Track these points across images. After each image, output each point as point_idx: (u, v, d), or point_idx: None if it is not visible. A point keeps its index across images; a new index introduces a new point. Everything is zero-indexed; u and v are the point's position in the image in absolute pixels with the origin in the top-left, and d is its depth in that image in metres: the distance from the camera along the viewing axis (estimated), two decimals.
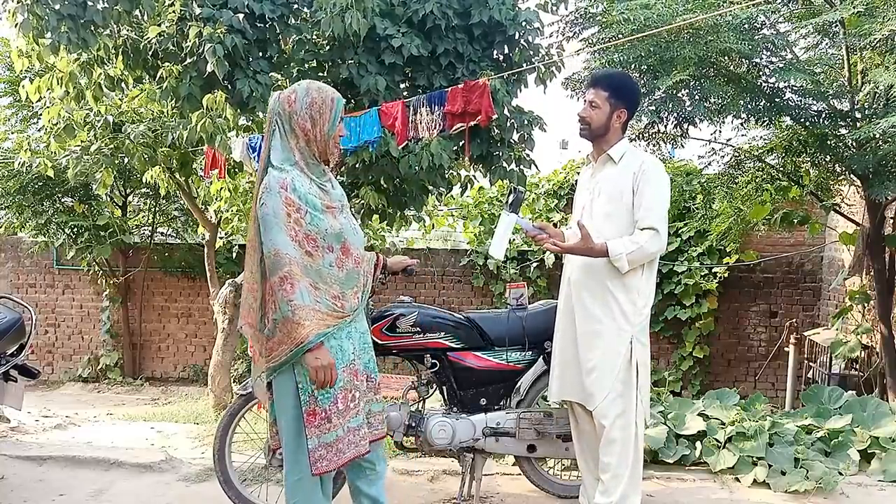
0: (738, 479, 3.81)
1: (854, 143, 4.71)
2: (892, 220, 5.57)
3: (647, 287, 2.88)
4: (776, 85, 4.84)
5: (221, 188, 6.23)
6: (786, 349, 6.92)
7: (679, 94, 4.84)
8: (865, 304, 6.04)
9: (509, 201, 3.02)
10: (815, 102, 4.90)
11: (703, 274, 7.93)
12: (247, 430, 3.51)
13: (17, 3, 4.17)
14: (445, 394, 3.38)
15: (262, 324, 2.47)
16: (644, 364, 2.86)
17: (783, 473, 3.74)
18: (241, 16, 4.43)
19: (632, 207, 2.80)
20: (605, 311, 2.82)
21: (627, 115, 2.91)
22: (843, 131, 4.83)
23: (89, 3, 4.25)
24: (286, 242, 2.33)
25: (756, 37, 4.61)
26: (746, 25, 4.41)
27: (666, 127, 5.22)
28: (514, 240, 8.21)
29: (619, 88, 2.89)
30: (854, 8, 4.18)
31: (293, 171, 2.41)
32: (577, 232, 2.89)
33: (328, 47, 4.91)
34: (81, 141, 6.04)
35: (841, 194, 5.99)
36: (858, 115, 4.77)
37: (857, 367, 5.98)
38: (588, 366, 2.85)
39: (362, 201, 5.20)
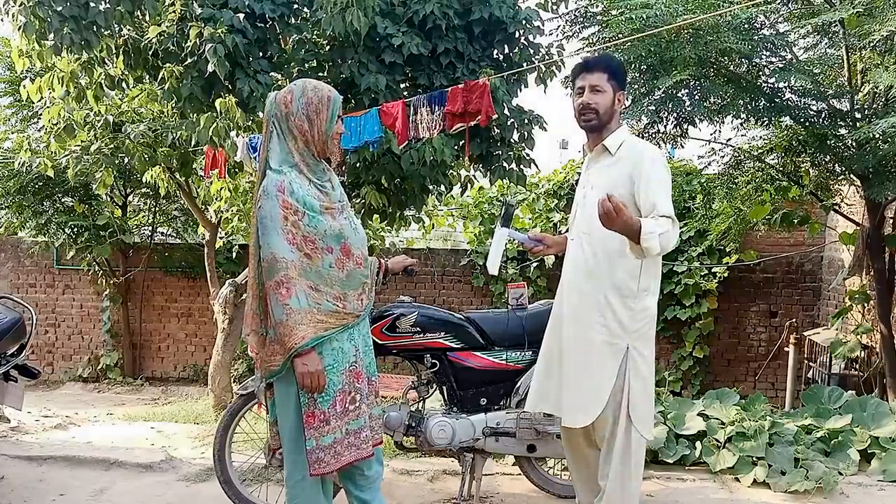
0: (737, 479, 3.81)
1: (854, 143, 4.71)
2: (891, 220, 5.57)
3: (644, 289, 2.60)
4: (776, 85, 4.84)
5: (221, 188, 6.23)
6: (786, 349, 6.93)
7: (679, 94, 4.84)
8: (865, 304, 6.04)
9: (501, 215, 3.00)
10: (814, 102, 4.90)
11: (702, 274, 7.93)
12: (247, 430, 3.51)
13: (20, 5, 4.17)
14: (445, 394, 3.39)
15: (262, 328, 2.47)
16: (637, 376, 2.59)
17: (783, 473, 3.74)
18: (241, 16, 4.44)
19: (631, 199, 2.54)
20: (600, 319, 2.59)
21: (624, 100, 2.71)
22: (843, 131, 4.83)
23: (91, 5, 4.25)
24: (283, 246, 2.32)
25: (756, 37, 4.61)
26: (746, 25, 4.41)
27: (665, 127, 5.22)
28: (513, 239, 8.20)
29: (616, 70, 2.66)
30: (854, 8, 4.18)
31: (291, 173, 2.40)
32: (571, 236, 2.77)
33: (328, 47, 4.92)
34: (81, 141, 6.04)
35: (841, 194, 5.99)
36: (858, 115, 4.77)
37: (857, 367, 5.98)
38: (579, 381, 2.63)
39: (363, 200, 5.21)
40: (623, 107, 2.72)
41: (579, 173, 9.16)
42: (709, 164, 6.01)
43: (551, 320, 2.83)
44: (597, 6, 4.92)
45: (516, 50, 5.02)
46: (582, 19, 5.02)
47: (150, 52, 4.69)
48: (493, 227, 8.71)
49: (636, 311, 2.59)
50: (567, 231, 2.97)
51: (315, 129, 2.43)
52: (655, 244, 2.35)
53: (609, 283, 2.59)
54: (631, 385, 2.57)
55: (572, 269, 2.71)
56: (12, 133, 8.69)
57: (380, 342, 3.17)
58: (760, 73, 4.83)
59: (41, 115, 6.26)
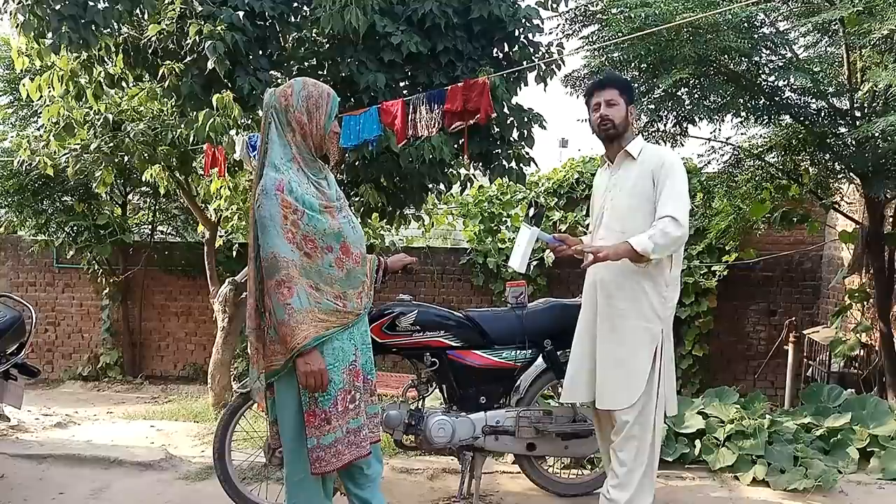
0: (737, 478, 3.81)
1: (853, 142, 4.71)
2: (891, 219, 5.57)
3: (674, 278, 2.87)
4: (776, 83, 4.84)
5: (221, 186, 6.23)
6: (785, 347, 6.92)
7: (678, 93, 4.85)
8: (865, 303, 6.04)
9: (530, 214, 3.06)
10: (814, 101, 4.90)
11: (702, 272, 7.93)
12: (247, 429, 3.51)
13: (18, 3, 4.16)
14: (445, 392, 3.39)
15: (263, 321, 2.47)
16: (670, 359, 2.87)
17: (782, 472, 3.74)
18: (241, 13, 4.44)
19: (654, 200, 2.79)
20: (635, 307, 2.81)
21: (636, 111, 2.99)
22: (843, 130, 4.83)
23: (90, 3, 4.24)
24: (283, 246, 2.32)
25: (756, 35, 4.61)
26: (746, 24, 4.41)
27: (665, 126, 5.23)
28: (511, 238, 8.22)
29: (625, 85, 2.97)
30: (853, 6, 4.18)
31: (290, 171, 2.39)
32: (595, 237, 2.96)
33: (328, 45, 4.91)
34: (81, 139, 6.04)
35: (840, 193, 5.99)
36: (858, 114, 4.77)
37: (857, 365, 5.98)
38: (618, 366, 2.82)
39: (362, 199, 5.20)
40: (635, 119, 2.99)
41: (580, 172, 9.16)
42: (708, 162, 6.02)
43: (582, 317, 2.99)
44: (596, 5, 4.92)
45: (516, 48, 5.01)
46: (581, 18, 5.02)
47: (150, 51, 4.69)
48: (492, 225, 8.71)
49: (667, 299, 2.85)
50: (590, 232, 3.12)
51: (314, 123, 2.43)
52: (648, 245, 2.65)
53: (646, 274, 2.81)
54: (664, 367, 2.83)
55: (606, 266, 2.87)
56: (12, 132, 8.68)
57: (379, 341, 3.17)
58: (760, 71, 4.83)
59: (41, 113, 6.25)
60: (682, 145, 5.51)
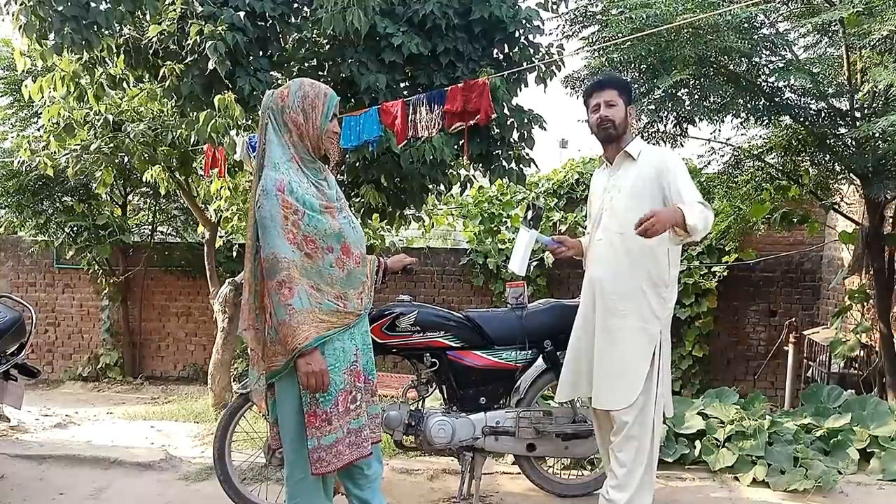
0: (737, 478, 3.81)
1: (853, 142, 4.71)
2: (891, 219, 5.57)
3: (673, 279, 2.87)
4: (776, 84, 4.85)
5: (221, 187, 6.23)
6: (785, 348, 6.92)
7: (679, 94, 4.84)
8: (865, 303, 6.04)
9: (528, 217, 3.07)
10: (814, 102, 4.91)
11: (702, 273, 7.94)
12: (247, 429, 3.51)
13: (20, 4, 4.17)
14: (445, 393, 3.39)
15: (260, 322, 2.47)
16: (666, 360, 2.88)
17: (782, 472, 3.74)
18: (241, 14, 4.44)
19: (659, 198, 2.77)
20: (634, 308, 2.81)
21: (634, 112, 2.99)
22: (843, 130, 4.83)
23: (92, 4, 4.25)
24: (284, 246, 2.32)
25: (755, 36, 4.61)
26: (746, 24, 4.42)
27: (665, 126, 5.23)
28: (511, 238, 8.22)
29: (624, 86, 2.97)
30: (853, 7, 4.19)
31: (289, 171, 2.39)
32: (590, 240, 2.97)
33: (328, 46, 4.92)
34: (81, 140, 6.04)
35: (840, 193, 5.99)
36: (858, 115, 4.77)
37: (857, 366, 5.98)
38: (616, 366, 2.82)
39: (362, 200, 5.20)
40: (634, 120, 2.99)
41: (580, 172, 9.16)
42: (708, 163, 6.02)
43: (580, 316, 3.00)
44: (596, 6, 4.93)
45: (516, 49, 5.01)
46: (582, 19, 5.02)
47: (151, 51, 4.69)
48: (492, 226, 8.72)
49: (666, 300, 2.85)
50: (588, 233, 3.12)
51: (310, 123, 2.43)
52: (699, 221, 2.55)
53: (644, 275, 2.82)
54: (662, 367, 2.83)
55: (605, 266, 2.90)
56: (12, 133, 8.68)
57: (379, 341, 3.17)
58: (760, 72, 4.83)
59: (41, 114, 6.25)
60: (682, 146, 5.51)
